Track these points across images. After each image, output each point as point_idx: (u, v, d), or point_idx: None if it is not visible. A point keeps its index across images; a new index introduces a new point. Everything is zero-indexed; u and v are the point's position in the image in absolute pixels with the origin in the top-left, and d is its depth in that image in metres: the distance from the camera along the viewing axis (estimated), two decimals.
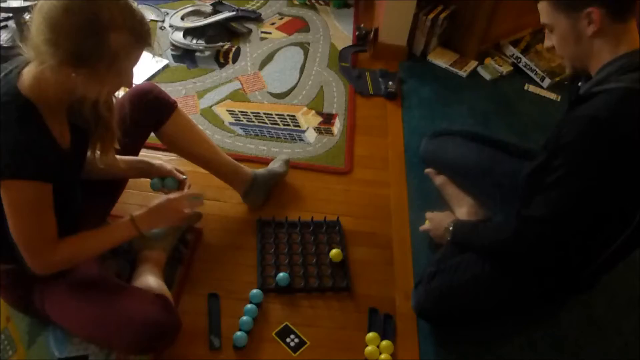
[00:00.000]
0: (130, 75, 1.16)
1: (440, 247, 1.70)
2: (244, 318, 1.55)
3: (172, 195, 1.48)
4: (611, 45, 1.23)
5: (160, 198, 1.46)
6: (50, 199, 1.17)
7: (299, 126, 2.22)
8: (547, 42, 1.35)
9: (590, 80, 1.29)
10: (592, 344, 1.66)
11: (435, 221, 1.76)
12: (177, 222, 1.56)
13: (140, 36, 1.09)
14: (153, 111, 1.62)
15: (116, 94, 1.26)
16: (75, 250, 1.29)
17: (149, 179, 1.65)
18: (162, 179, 1.64)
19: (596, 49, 1.25)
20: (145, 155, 1.75)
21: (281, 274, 1.67)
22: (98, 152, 1.32)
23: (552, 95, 2.60)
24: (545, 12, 1.29)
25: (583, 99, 1.27)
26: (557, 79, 2.63)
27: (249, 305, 1.59)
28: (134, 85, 1.43)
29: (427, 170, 2.03)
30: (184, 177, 1.67)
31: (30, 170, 1.11)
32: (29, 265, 1.22)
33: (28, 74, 1.10)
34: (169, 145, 1.75)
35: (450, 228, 1.61)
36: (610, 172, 1.22)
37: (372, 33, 2.65)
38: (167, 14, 2.69)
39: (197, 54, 2.50)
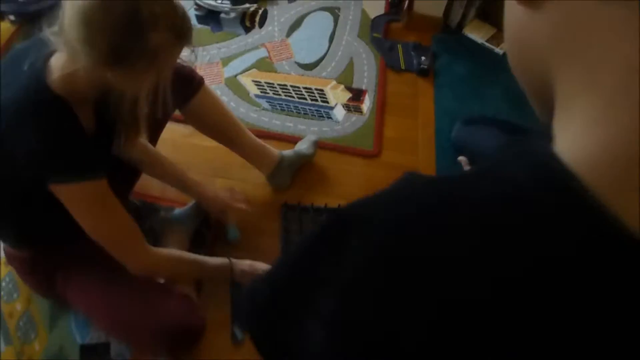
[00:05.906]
0: (168, 72, 1.08)
1: None
2: None
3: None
4: None
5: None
6: (112, 193, 1.13)
7: (327, 102, 2.12)
8: None
9: None
10: None
11: None
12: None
13: (182, 34, 1.01)
14: (180, 88, 1.53)
15: None
16: (174, 267, 1.33)
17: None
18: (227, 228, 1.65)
19: None
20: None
21: None
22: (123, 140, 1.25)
23: None
24: None
25: None
26: None
27: None
28: None
29: (460, 158, 1.95)
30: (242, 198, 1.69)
31: (83, 172, 1.06)
32: (127, 267, 1.22)
33: (57, 68, 1.02)
34: (193, 123, 1.67)
35: None
36: None
37: (407, 1, 2.49)
38: None
39: (222, 15, 2.37)
